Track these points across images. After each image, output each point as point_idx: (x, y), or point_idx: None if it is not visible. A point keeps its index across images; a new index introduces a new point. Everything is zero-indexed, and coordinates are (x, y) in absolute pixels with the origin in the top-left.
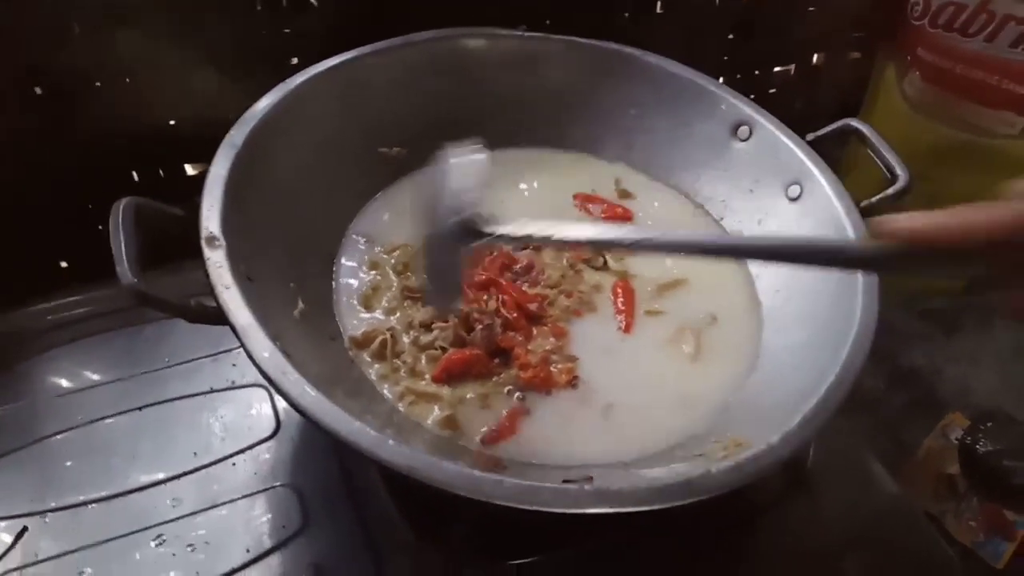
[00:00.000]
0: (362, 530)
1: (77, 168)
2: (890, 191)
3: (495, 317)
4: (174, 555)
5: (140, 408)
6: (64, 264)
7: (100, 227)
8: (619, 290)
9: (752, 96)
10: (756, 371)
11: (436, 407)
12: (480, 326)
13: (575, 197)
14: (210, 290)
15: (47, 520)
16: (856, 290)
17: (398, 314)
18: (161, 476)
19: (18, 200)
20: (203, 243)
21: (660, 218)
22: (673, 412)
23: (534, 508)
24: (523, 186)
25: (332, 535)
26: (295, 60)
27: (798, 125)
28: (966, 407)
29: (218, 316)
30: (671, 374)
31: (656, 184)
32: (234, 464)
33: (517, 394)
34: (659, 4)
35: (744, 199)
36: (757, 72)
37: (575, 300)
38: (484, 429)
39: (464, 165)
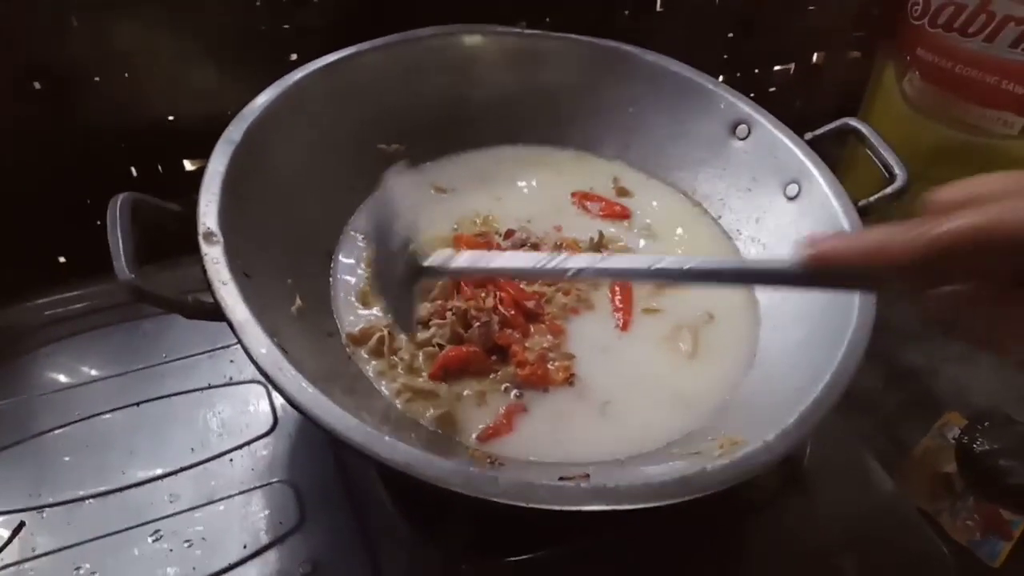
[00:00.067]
0: (359, 526)
1: (75, 163)
2: (888, 190)
3: (492, 314)
4: (171, 551)
5: (137, 404)
6: (62, 259)
7: (98, 222)
8: (617, 288)
9: (752, 95)
10: (753, 369)
11: (433, 404)
12: (478, 323)
13: (573, 195)
14: (207, 286)
15: (44, 515)
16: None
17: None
18: (158, 472)
19: (16, 195)
20: (200, 239)
21: (658, 216)
22: (670, 410)
23: (530, 505)
24: (521, 184)
25: (329, 531)
26: (294, 56)
27: (797, 124)
28: (963, 406)
29: (215, 312)
30: (668, 372)
31: (654, 182)
32: (231, 460)
33: (514, 392)
34: (659, 2)
35: (742, 198)
36: (757, 71)
37: (573, 298)
38: (481, 426)
39: (400, 190)
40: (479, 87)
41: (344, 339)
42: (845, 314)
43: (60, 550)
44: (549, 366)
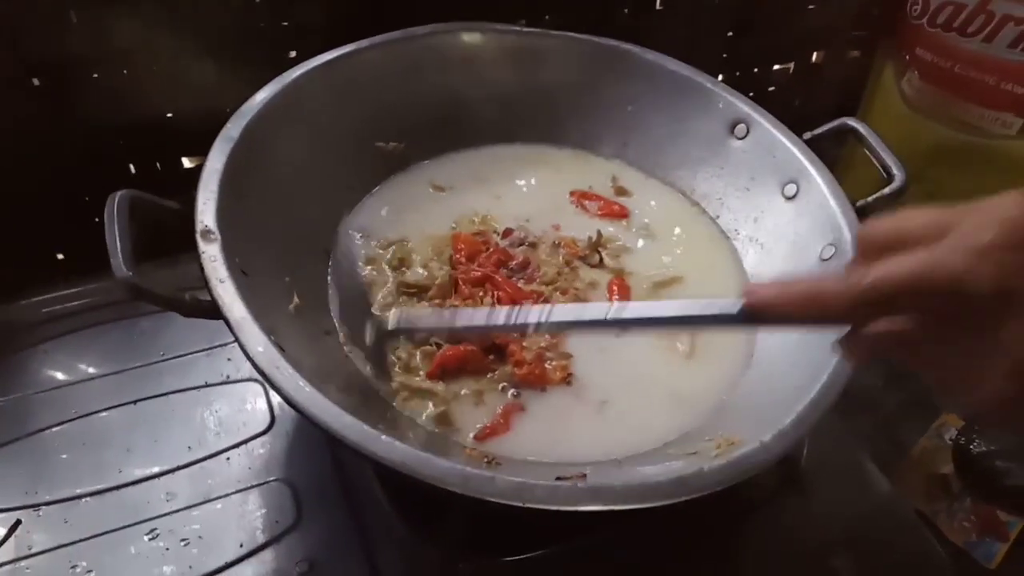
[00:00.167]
0: (355, 525)
1: (74, 160)
2: (886, 191)
3: None
4: (167, 549)
5: (135, 402)
6: (60, 256)
7: (97, 219)
8: (615, 288)
9: (751, 94)
10: (750, 369)
11: (430, 403)
12: None
13: (572, 194)
14: (205, 284)
15: (41, 513)
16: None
17: (394, 309)
18: (155, 470)
19: (15, 192)
20: (198, 237)
21: (656, 216)
22: (667, 410)
23: (527, 505)
24: (520, 182)
25: (326, 530)
26: (293, 53)
27: (796, 123)
28: None
29: (213, 310)
30: (665, 372)
31: (653, 181)
32: (228, 459)
33: (512, 391)
34: (658, 1)
35: (740, 197)
36: (756, 70)
37: (570, 297)
38: (478, 425)
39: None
40: (478, 85)
41: (342, 338)
42: None
43: (56, 548)
44: (547, 365)
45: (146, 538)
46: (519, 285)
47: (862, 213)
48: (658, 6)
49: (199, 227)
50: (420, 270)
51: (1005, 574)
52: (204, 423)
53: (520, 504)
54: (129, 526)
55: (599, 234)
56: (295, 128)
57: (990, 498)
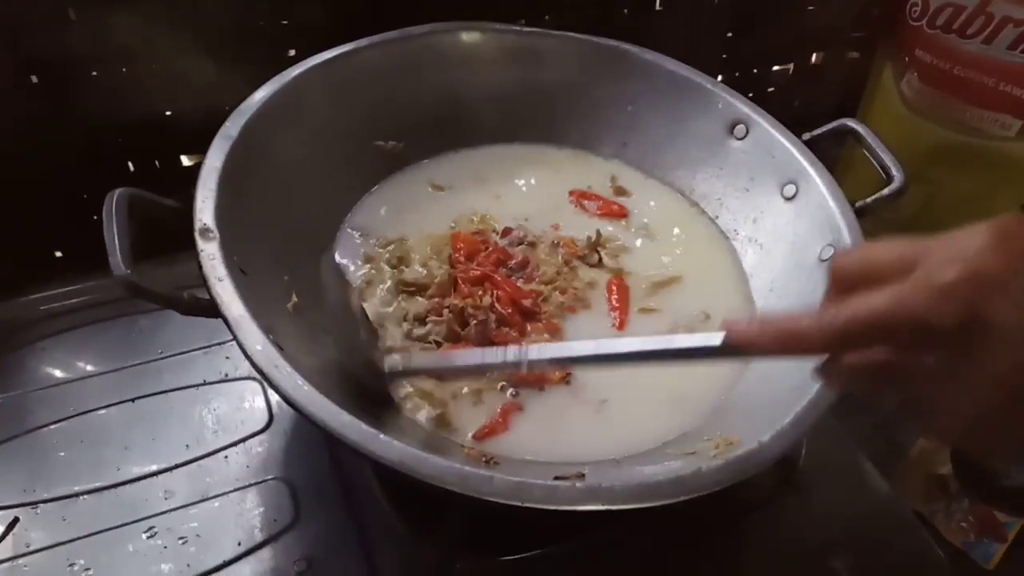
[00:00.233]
0: (354, 524)
1: (73, 157)
2: (885, 192)
3: (489, 312)
4: (165, 547)
5: (133, 400)
6: (59, 254)
7: (95, 217)
8: (613, 287)
9: (750, 94)
10: (748, 370)
11: (429, 402)
12: (474, 321)
13: (571, 194)
14: (203, 282)
15: (38, 511)
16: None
17: (392, 308)
18: (153, 468)
19: (13, 189)
20: (197, 235)
21: (655, 216)
22: (665, 410)
23: (525, 505)
24: (519, 182)
25: (324, 529)
26: (292, 52)
27: (795, 124)
28: None
29: (211, 308)
30: (664, 372)
31: (652, 181)
32: (226, 457)
33: (510, 390)
34: (658, 1)
35: (740, 198)
36: (755, 70)
37: (570, 296)
38: (477, 425)
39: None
40: (477, 85)
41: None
42: None
43: (54, 546)
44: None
45: (144, 536)
46: (518, 284)
47: (861, 214)
48: (657, 6)
49: (198, 225)
50: (419, 268)
51: (1003, 574)
52: (202, 421)
53: (518, 503)
54: (127, 524)
55: (598, 234)
56: (294, 127)
57: (988, 499)
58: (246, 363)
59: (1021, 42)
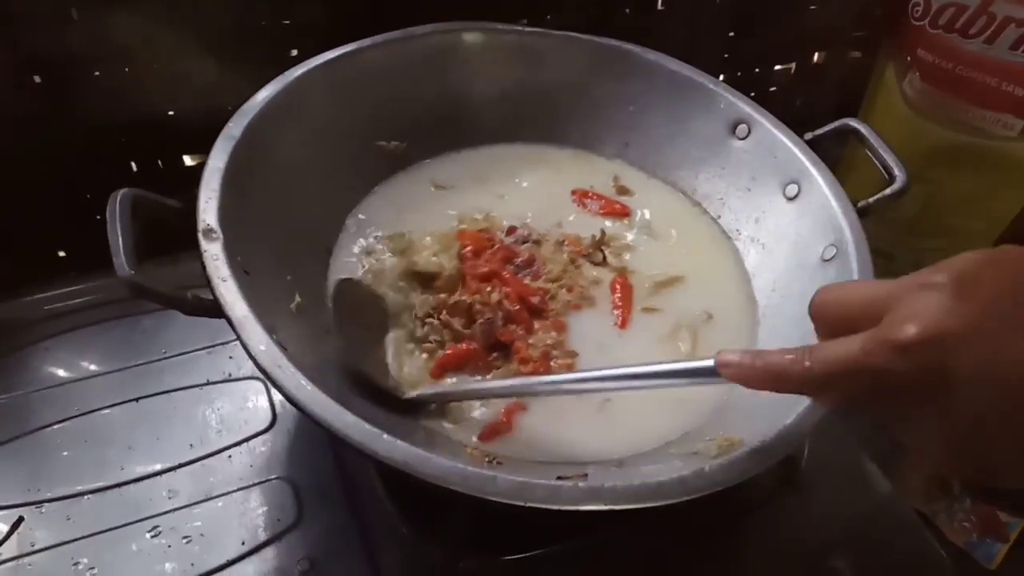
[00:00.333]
0: (357, 523)
1: (75, 157)
2: (888, 191)
3: (497, 309)
4: (169, 547)
5: (137, 399)
6: (62, 254)
7: (98, 217)
8: (617, 286)
9: (752, 94)
10: None
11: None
12: (481, 319)
13: (573, 193)
14: (207, 282)
15: (43, 510)
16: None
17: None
18: (157, 468)
19: (16, 189)
20: (200, 235)
21: (658, 215)
22: (668, 409)
23: (528, 505)
24: (521, 181)
25: (327, 528)
26: (295, 52)
27: (797, 124)
28: None
29: (215, 309)
30: None
31: (654, 181)
32: (230, 456)
33: None
34: (660, 1)
35: (742, 197)
36: (757, 70)
37: (576, 295)
38: (481, 424)
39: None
40: (479, 85)
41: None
42: None
43: (59, 545)
44: (552, 364)
45: (148, 535)
46: (525, 282)
47: (863, 214)
48: (659, 6)
49: (201, 226)
50: (432, 257)
51: (1005, 574)
52: (206, 421)
53: (521, 503)
54: (131, 523)
55: (602, 232)
56: (296, 127)
57: (990, 499)
58: (249, 363)
59: (1023, 42)
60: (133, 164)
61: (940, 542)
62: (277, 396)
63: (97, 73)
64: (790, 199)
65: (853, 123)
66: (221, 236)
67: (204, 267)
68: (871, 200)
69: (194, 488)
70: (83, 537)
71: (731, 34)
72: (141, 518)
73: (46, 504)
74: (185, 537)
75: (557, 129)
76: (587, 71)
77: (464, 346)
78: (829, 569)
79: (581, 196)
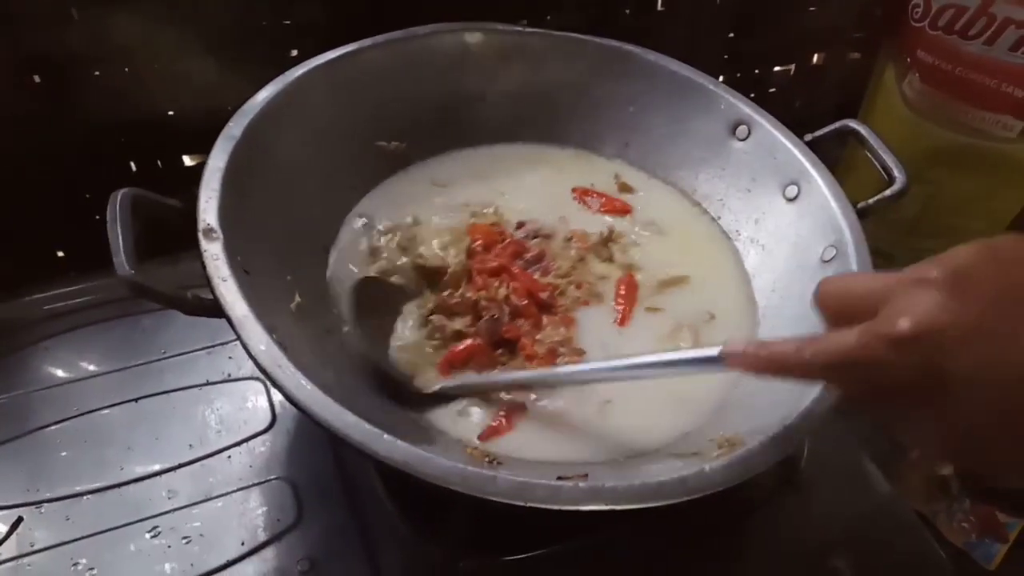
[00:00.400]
0: (357, 524)
1: (75, 157)
2: (887, 193)
3: (504, 305)
4: (169, 547)
5: (136, 400)
6: (61, 254)
7: (97, 217)
8: (623, 285)
9: (752, 95)
10: None
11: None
12: (487, 315)
13: (574, 191)
14: (207, 282)
15: (42, 511)
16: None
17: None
18: (156, 468)
19: (16, 189)
20: (200, 235)
21: (660, 213)
22: (668, 410)
23: (528, 505)
24: (522, 179)
25: (327, 528)
26: (295, 52)
27: (797, 125)
28: None
29: (215, 308)
30: None
31: (654, 181)
32: (229, 457)
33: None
34: (660, 1)
35: (742, 198)
36: (757, 71)
37: (585, 291)
38: (483, 426)
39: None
40: (479, 85)
41: (344, 336)
42: None
43: (58, 545)
44: (558, 361)
45: (147, 536)
46: (535, 277)
47: (863, 215)
48: (659, 7)
49: (202, 225)
50: (439, 251)
51: (1004, 575)
52: (205, 421)
53: (522, 503)
54: (131, 524)
55: (611, 230)
56: (297, 127)
57: (989, 499)
58: (249, 363)
59: (1023, 44)
60: (133, 164)
61: (939, 542)
62: (277, 396)
63: (97, 73)
64: (790, 200)
65: (853, 124)
66: (221, 236)
67: (204, 267)
68: (871, 201)
69: (194, 488)
70: (82, 537)
71: (731, 35)
72: (141, 518)
73: (45, 504)
74: (185, 537)
75: (557, 129)
76: (587, 71)
77: (469, 342)
78: (829, 569)
79: (582, 194)
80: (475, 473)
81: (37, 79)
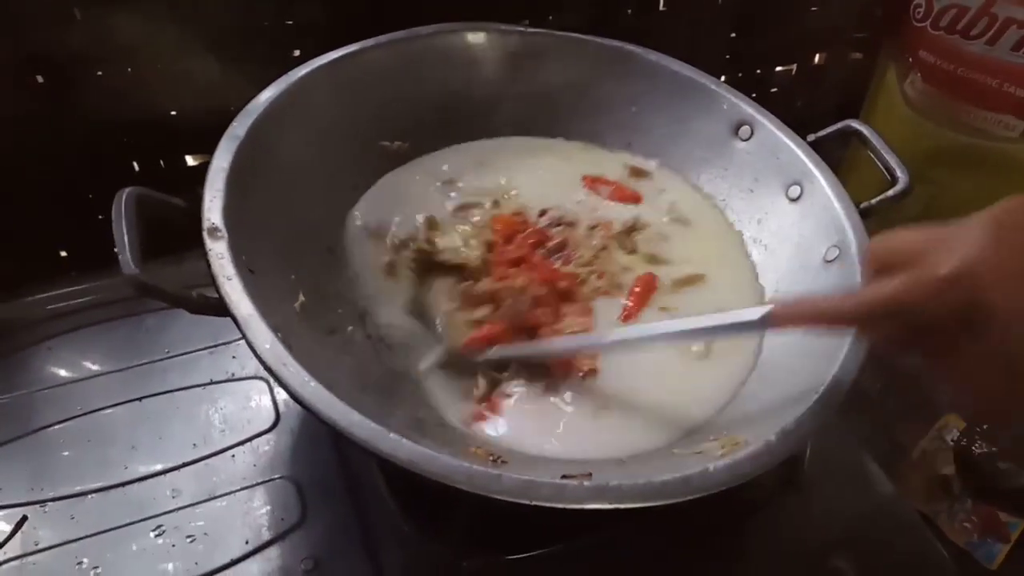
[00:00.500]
0: (360, 523)
1: (77, 157)
2: (890, 193)
3: (523, 294)
4: (173, 546)
5: (139, 399)
6: (64, 253)
7: (100, 217)
8: (640, 283)
9: (753, 95)
10: (755, 370)
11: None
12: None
13: (584, 179)
14: (211, 281)
15: (46, 510)
16: (855, 292)
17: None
18: (160, 467)
19: (18, 189)
20: (205, 234)
21: (678, 201)
22: (673, 409)
23: (532, 503)
24: (529, 168)
25: (330, 527)
26: (298, 52)
27: (799, 125)
28: None
29: (219, 307)
30: (674, 371)
31: (665, 170)
32: (233, 456)
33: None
34: (661, 1)
35: (744, 199)
36: (759, 71)
37: (607, 281)
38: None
39: None
40: (481, 85)
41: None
42: None
43: (62, 544)
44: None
45: (151, 535)
46: (556, 266)
47: (866, 215)
48: (661, 7)
49: (206, 225)
50: (462, 248)
51: (1006, 575)
52: (209, 420)
53: (526, 502)
54: (134, 523)
55: (636, 219)
56: (300, 127)
57: (991, 499)
58: (253, 362)
59: None
60: (135, 164)
61: (941, 542)
62: (280, 395)
63: (99, 73)
64: (793, 200)
65: (855, 124)
66: (226, 235)
67: (209, 266)
68: (873, 201)
69: (197, 487)
70: (86, 536)
71: (732, 35)
72: (144, 517)
73: (49, 503)
74: (189, 536)
75: (559, 129)
76: (589, 72)
77: (489, 326)
78: (831, 569)
79: (592, 181)
80: (480, 472)
81: (39, 79)
